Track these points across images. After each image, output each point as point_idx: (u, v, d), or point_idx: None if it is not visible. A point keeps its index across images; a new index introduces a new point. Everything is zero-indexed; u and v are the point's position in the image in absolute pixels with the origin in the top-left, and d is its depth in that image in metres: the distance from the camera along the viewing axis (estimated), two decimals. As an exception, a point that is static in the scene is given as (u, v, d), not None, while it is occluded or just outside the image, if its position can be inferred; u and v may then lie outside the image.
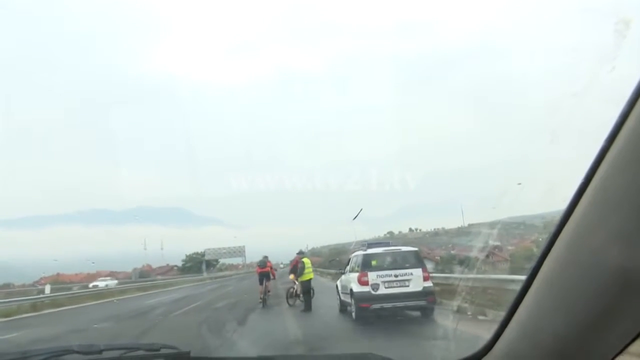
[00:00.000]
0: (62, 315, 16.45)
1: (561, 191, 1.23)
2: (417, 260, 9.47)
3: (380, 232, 64.93)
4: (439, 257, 34.41)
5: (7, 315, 15.81)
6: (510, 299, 1.40)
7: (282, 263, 37.64)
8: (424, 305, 8.79)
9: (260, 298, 13.51)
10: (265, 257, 15.14)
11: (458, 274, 11.30)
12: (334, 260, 32.88)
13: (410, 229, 70.28)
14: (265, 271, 14.18)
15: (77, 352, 1.85)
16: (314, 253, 47.86)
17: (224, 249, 61.72)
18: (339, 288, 11.19)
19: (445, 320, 7.99)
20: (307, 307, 11.46)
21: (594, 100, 1.21)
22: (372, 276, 9.03)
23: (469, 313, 8.33)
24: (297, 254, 13.33)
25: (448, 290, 9.74)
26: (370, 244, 10.36)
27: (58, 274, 45.69)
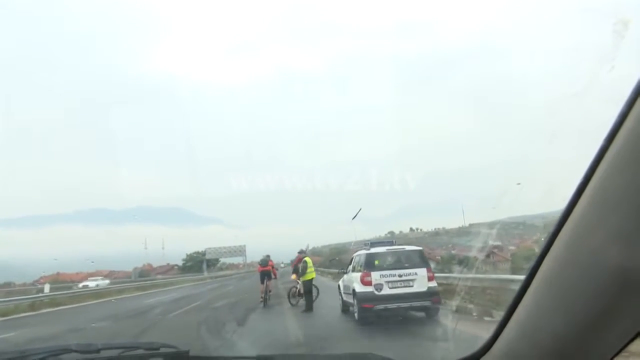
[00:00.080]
0: (61, 314, 16.42)
1: (561, 191, 1.23)
2: (422, 259, 9.30)
3: (380, 232, 65.08)
4: (439, 257, 34.44)
5: (5, 315, 15.80)
6: (510, 298, 1.40)
7: (282, 262, 37.65)
8: (429, 305, 8.63)
9: (261, 297, 13.46)
10: (267, 255, 15.05)
11: (459, 274, 11.27)
12: (333, 259, 32.89)
13: (411, 229, 70.29)
14: (266, 270, 14.14)
15: (76, 351, 1.85)
16: (314, 252, 47.82)
17: (225, 248, 61.78)
18: (341, 288, 11.07)
19: (445, 320, 7.98)
20: (309, 307, 11.42)
21: (593, 100, 1.21)
22: (375, 276, 8.86)
23: (469, 313, 8.34)
24: (299, 253, 13.29)
25: (448, 290, 9.70)
26: (373, 243, 10.16)
27: (58, 273, 45.71)
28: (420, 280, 8.80)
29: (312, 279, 12.07)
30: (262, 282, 13.75)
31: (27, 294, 21.96)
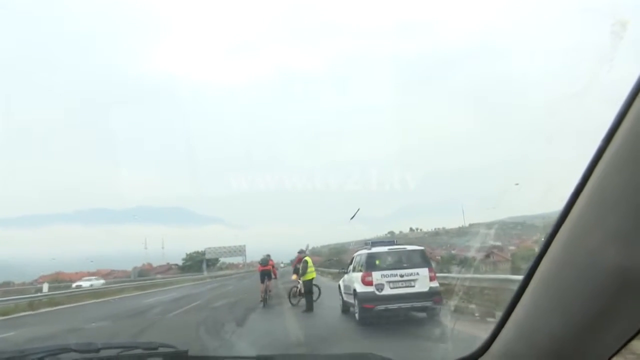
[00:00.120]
0: (59, 314, 16.41)
1: (560, 191, 1.23)
2: (423, 259, 9.20)
3: (380, 232, 64.96)
4: (439, 257, 34.44)
5: (4, 314, 15.78)
6: (508, 299, 1.40)
7: (282, 262, 37.69)
8: (430, 306, 8.53)
9: (261, 297, 13.43)
10: (268, 255, 14.99)
11: (459, 274, 11.26)
12: (331, 260, 32.88)
13: (411, 229, 70.24)
14: (266, 269, 14.10)
15: (75, 351, 1.85)
16: (314, 252, 47.77)
17: (225, 248, 61.85)
18: (342, 288, 11.00)
19: (444, 320, 7.97)
20: (309, 307, 11.39)
21: (592, 100, 1.22)
22: (376, 276, 8.77)
23: (469, 313, 8.35)
24: (298, 252, 13.26)
25: (448, 290, 9.68)
26: (374, 243, 10.06)
27: (58, 273, 45.73)
28: (422, 280, 8.71)
29: (312, 278, 12.05)
30: (262, 282, 13.71)
31: (26, 294, 21.93)
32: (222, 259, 66.25)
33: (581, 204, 1.05)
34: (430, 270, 8.91)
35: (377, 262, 9.16)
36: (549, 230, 1.18)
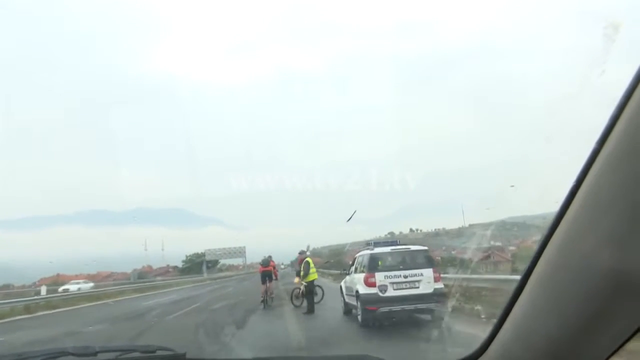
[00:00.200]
0: (55, 317, 16.30)
1: (558, 192, 1.23)
2: (427, 260, 9.02)
3: (380, 233, 64.94)
4: (439, 258, 34.40)
5: (1, 318, 15.67)
6: (506, 300, 1.40)
7: (282, 264, 37.67)
8: (435, 307, 8.33)
9: (262, 298, 13.36)
10: (269, 256, 14.94)
11: (458, 275, 11.26)
12: (328, 262, 32.83)
13: (411, 230, 69.98)
14: (267, 270, 14.03)
15: (72, 354, 1.85)
16: (314, 253, 47.64)
17: (225, 249, 61.72)
18: (343, 289, 10.84)
19: (443, 321, 7.95)
20: (310, 308, 11.32)
21: (588, 102, 1.22)
22: (379, 277, 8.58)
23: (468, 314, 8.31)
24: (299, 253, 13.17)
25: (449, 291, 9.65)
26: (377, 243, 9.84)
27: (58, 275, 45.61)
28: (426, 281, 8.52)
29: (314, 280, 11.98)
30: (263, 283, 13.65)
31: (25, 296, 21.69)
32: (222, 261, 66.15)
33: (576, 206, 1.06)
34: (434, 271, 8.70)
35: (380, 262, 8.97)
36: (545, 231, 1.18)
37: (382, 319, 8.36)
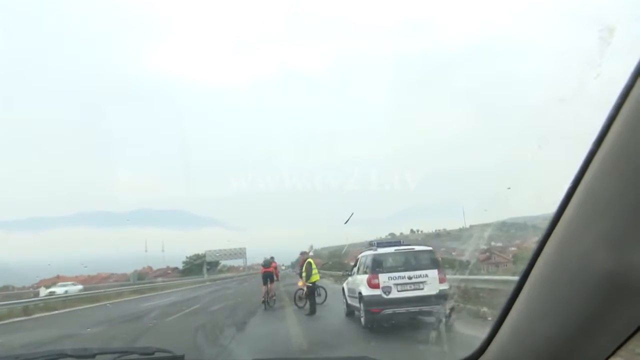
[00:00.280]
0: (53, 319, 16.23)
1: (555, 193, 1.23)
2: (432, 260, 8.77)
3: (381, 234, 64.75)
4: (440, 259, 34.31)
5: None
6: (504, 301, 1.40)
7: (283, 265, 37.57)
8: (440, 310, 8.00)
9: (263, 300, 13.28)
10: (271, 257, 14.88)
11: (458, 275, 11.23)
12: (327, 263, 32.76)
13: (412, 230, 69.97)
14: (269, 271, 13.96)
15: (71, 356, 1.86)
16: (314, 254, 47.63)
17: (225, 250, 61.65)
18: (346, 291, 10.66)
19: (441, 322, 7.91)
20: (312, 310, 11.21)
21: (584, 104, 1.22)
22: (383, 278, 8.37)
23: (468, 314, 8.29)
24: (301, 254, 12.98)
25: (453, 293, 9.55)
26: (380, 244, 9.59)
27: (58, 276, 45.59)
28: (431, 283, 8.30)
29: (316, 281, 11.90)
30: (265, 284, 13.57)
31: (24, 298, 21.50)
32: (222, 262, 66.18)
33: (573, 207, 1.06)
34: (439, 272, 8.48)
35: (383, 263, 8.79)
36: (543, 232, 1.18)
37: (386, 321, 8.19)
